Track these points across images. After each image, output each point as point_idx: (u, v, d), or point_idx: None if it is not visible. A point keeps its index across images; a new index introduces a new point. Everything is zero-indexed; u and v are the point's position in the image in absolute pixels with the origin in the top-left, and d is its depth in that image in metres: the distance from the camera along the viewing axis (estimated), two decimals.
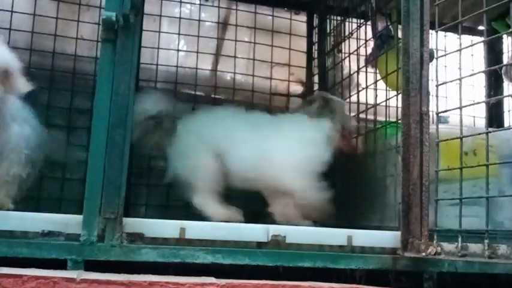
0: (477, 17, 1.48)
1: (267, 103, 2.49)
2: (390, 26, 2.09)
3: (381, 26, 2.15)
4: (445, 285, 1.47)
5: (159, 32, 2.40)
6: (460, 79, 1.45)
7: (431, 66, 1.49)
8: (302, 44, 2.60)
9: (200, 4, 2.50)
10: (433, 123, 1.52)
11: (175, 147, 1.87)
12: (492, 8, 1.39)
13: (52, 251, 1.23)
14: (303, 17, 2.63)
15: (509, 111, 2.60)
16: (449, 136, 1.48)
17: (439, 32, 1.51)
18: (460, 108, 1.42)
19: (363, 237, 1.46)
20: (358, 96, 2.16)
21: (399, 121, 1.57)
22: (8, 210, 1.48)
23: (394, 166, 1.79)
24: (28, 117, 1.63)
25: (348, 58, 2.29)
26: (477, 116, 2.43)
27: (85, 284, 1.12)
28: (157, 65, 2.38)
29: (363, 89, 2.13)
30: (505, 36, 2.58)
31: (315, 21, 2.61)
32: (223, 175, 1.83)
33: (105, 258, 1.25)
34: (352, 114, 2.14)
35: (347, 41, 2.32)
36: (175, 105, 1.99)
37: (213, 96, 2.46)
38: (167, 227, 1.34)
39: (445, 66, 1.86)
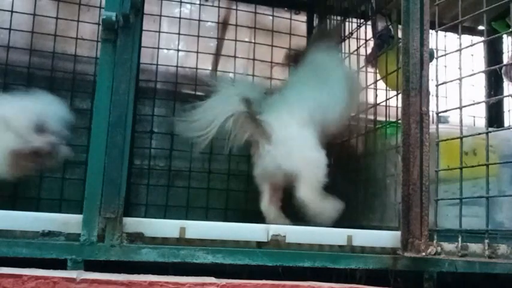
0: (477, 17, 1.48)
1: None
2: (390, 26, 2.09)
3: (380, 26, 2.15)
4: (445, 285, 1.47)
5: (159, 32, 2.40)
6: (460, 79, 1.45)
7: (431, 66, 1.49)
8: (302, 44, 2.60)
9: (200, 4, 2.50)
10: (433, 123, 1.52)
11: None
12: (492, 8, 1.39)
13: (52, 251, 1.23)
14: (303, 17, 2.63)
15: (509, 111, 2.60)
16: (449, 136, 1.48)
17: (439, 32, 1.51)
18: (460, 108, 1.42)
19: (363, 237, 1.46)
20: None
21: (399, 121, 1.57)
22: None
23: (394, 166, 1.79)
24: None
25: (348, 58, 2.29)
26: (477, 116, 2.43)
27: (85, 284, 1.11)
28: (157, 65, 2.39)
29: (363, 89, 2.13)
30: (505, 36, 2.58)
31: (315, 21, 2.61)
32: None
33: (105, 258, 1.25)
34: (352, 114, 2.14)
35: (347, 41, 2.32)
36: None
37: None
38: (167, 227, 1.34)
39: (445, 66, 1.87)
